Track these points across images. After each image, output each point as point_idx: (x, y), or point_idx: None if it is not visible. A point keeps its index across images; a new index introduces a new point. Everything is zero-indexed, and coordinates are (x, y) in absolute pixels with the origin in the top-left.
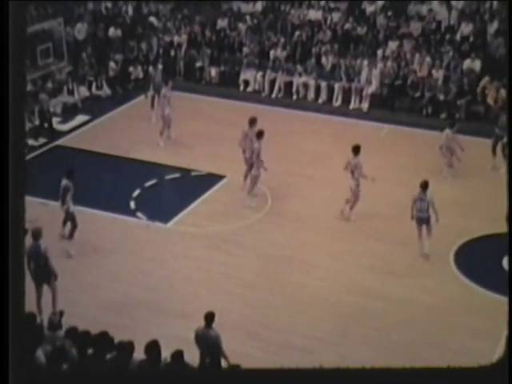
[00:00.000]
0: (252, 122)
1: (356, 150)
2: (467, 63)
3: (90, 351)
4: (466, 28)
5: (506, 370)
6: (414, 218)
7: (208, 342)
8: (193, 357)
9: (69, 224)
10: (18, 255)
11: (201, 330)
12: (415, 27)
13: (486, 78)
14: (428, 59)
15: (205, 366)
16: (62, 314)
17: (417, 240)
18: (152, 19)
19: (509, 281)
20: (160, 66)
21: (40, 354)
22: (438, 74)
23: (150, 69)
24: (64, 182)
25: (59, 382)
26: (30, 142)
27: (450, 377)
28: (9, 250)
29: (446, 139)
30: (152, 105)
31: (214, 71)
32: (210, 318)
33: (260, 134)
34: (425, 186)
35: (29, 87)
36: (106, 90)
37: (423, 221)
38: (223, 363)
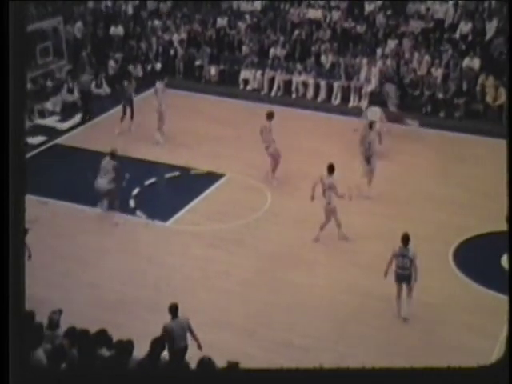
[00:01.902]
0: (269, 116)
1: (331, 169)
2: (466, 61)
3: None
4: (465, 26)
5: (506, 370)
6: (394, 275)
7: (184, 330)
8: (191, 355)
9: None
10: (18, 255)
11: (170, 322)
12: (414, 26)
13: (484, 76)
14: (427, 58)
15: (177, 359)
16: (61, 312)
17: (396, 301)
18: (152, 20)
19: (509, 281)
20: (133, 81)
21: (40, 353)
22: (437, 73)
23: (125, 83)
24: (112, 163)
25: (59, 381)
26: (29, 140)
27: (450, 377)
28: (9, 250)
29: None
30: (122, 118)
31: (213, 70)
32: (174, 308)
33: (270, 116)
34: (406, 239)
35: (29, 85)
36: (106, 89)
37: (404, 279)
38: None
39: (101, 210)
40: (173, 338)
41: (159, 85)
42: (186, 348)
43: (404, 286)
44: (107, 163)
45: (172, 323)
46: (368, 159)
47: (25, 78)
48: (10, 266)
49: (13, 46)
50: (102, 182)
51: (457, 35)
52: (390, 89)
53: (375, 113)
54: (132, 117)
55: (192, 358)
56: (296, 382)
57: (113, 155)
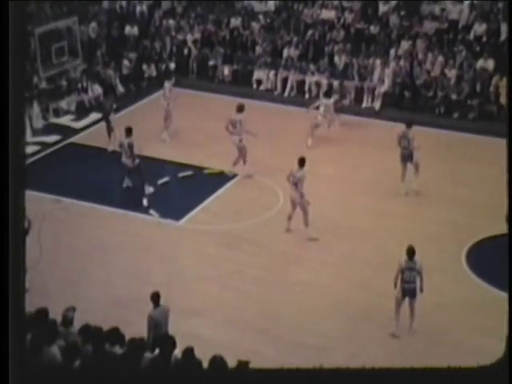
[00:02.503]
0: (240, 108)
1: (301, 162)
2: (480, 63)
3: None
4: (480, 27)
5: (506, 370)
6: (400, 289)
7: (163, 318)
8: (203, 354)
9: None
10: (18, 254)
11: (153, 311)
12: (428, 27)
13: (498, 77)
14: (441, 58)
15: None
16: (74, 309)
17: (395, 318)
18: (166, 20)
19: (509, 281)
20: (113, 96)
21: (55, 349)
22: (451, 74)
23: (101, 98)
24: (127, 140)
25: (60, 380)
26: (44, 139)
27: (449, 377)
28: (9, 250)
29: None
30: (109, 134)
31: (226, 70)
32: (156, 297)
33: (240, 108)
34: (412, 252)
35: (44, 85)
36: (120, 88)
37: (411, 292)
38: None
39: (114, 208)
40: (156, 326)
41: (167, 84)
42: (167, 335)
43: (407, 300)
44: (124, 141)
45: (155, 312)
46: (408, 158)
47: (25, 78)
48: (10, 265)
49: (13, 45)
50: (125, 160)
51: (471, 36)
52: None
53: (327, 105)
54: (109, 134)
55: (203, 356)
56: (296, 382)
57: (127, 132)
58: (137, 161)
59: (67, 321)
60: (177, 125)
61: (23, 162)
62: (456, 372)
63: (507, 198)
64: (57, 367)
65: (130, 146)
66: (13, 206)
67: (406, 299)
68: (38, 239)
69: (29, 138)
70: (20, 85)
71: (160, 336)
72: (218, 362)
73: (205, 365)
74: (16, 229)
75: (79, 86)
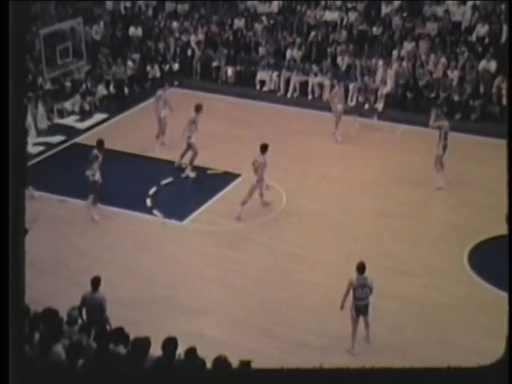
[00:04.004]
0: (198, 108)
1: (263, 148)
2: (483, 64)
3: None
4: (482, 29)
5: (506, 370)
6: (353, 309)
7: (95, 304)
8: (206, 354)
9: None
10: (18, 253)
11: (88, 293)
12: (431, 28)
13: (500, 78)
14: (443, 60)
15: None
16: (80, 308)
17: (352, 336)
18: (170, 21)
19: (509, 281)
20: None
21: (59, 348)
22: (453, 75)
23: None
24: (93, 151)
25: (59, 380)
26: (49, 139)
27: (449, 377)
28: (9, 249)
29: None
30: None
31: (230, 71)
32: (96, 281)
33: (198, 108)
34: (362, 268)
35: (48, 85)
36: (124, 89)
37: (363, 310)
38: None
39: (118, 208)
40: (86, 308)
41: (161, 92)
42: (99, 323)
43: (361, 319)
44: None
45: (89, 294)
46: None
47: (24, 77)
48: (10, 263)
49: (13, 45)
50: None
51: (473, 37)
52: None
53: None
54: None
55: (207, 356)
56: (296, 382)
57: (98, 145)
58: (96, 177)
59: (71, 320)
60: (180, 125)
61: (23, 162)
62: (456, 372)
63: (507, 198)
64: (56, 367)
65: (93, 158)
66: (13, 206)
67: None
68: (42, 239)
69: (33, 138)
70: (20, 84)
71: (93, 321)
72: (222, 362)
73: (208, 364)
74: (16, 229)
75: (83, 86)
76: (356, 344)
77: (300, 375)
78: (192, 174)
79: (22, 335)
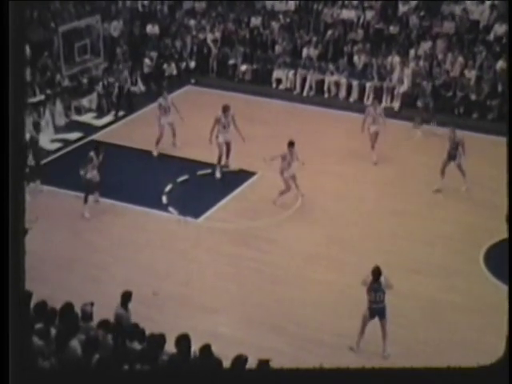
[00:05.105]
0: (224, 109)
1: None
2: (500, 63)
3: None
4: (500, 28)
5: (506, 370)
6: (368, 311)
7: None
8: (221, 351)
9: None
10: (18, 252)
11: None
12: (448, 27)
13: None
14: (460, 59)
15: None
16: (92, 304)
17: (358, 335)
18: (187, 19)
19: (509, 281)
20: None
21: (75, 343)
22: (471, 74)
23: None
24: (90, 153)
25: (61, 380)
26: (66, 136)
27: (449, 377)
28: (9, 248)
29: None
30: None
31: (246, 69)
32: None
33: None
34: (377, 274)
35: (66, 82)
36: (141, 87)
37: (379, 313)
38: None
39: (134, 205)
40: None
41: (161, 100)
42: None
43: (377, 320)
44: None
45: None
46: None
47: (24, 76)
48: (11, 262)
49: (13, 47)
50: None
51: (491, 37)
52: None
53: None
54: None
55: (221, 354)
56: (296, 382)
57: (95, 148)
58: (88, 175)
59: (86, 315)
60: (196, 123)
61: (23, 160)
62: (456, 372)
63: (507, 198)
64: (56, 367)
65: (88, 160)
66: (13, 205)
67: (376, 319)
68: (59, 235)
69: (51, 135)
70: (20, 83)
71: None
72: (242, 361)
73: (223, 362)
74: (16, 227)
75: (101, 84)
76: (368, 344)
77: (300, 375)
78: (218, 174)
79: (22, 335)
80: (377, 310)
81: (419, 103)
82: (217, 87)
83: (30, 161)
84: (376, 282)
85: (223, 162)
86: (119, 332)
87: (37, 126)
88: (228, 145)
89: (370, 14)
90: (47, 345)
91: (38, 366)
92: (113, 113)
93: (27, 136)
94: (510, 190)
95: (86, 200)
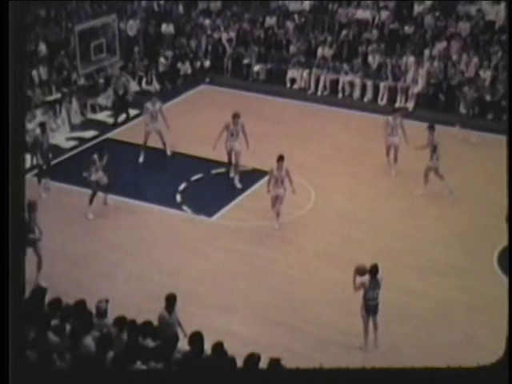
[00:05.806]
0: (234, 116)
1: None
2: None
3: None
4: None
5: (506, 370)
6: (364, 309)
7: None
8: (234, 350)
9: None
10: (17, 251)
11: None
12: (463, 27)
13: None
14: (475, 60)
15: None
16: (107, 301)
17: (364, 333)
18: (202, 18)
19: (509, 281)
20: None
21: (89, 340)
22: (486, 75)
23: (37, 131)
24: (93, 156)
25: (56, 379)
26: (81, 134)
27: (449, 377)
28: (9, 247)
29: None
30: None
31: (261, 68)
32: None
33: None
34: (375, 270)
35: (82, 81)
36: (156, 85)
37: (374, 309)
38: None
39: (148, 203)
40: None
41: (148, 105)
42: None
43: (370, 318)
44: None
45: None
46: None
47: (24, 74)
48: (11, 262)
49: (13, 46)
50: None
51: (507, 37)
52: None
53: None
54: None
55: (233, 352)
56: (296, 382)
57: (99, 151)
58: (92, 177)
59: (101, 312)
60: (210, 122)
61: (23, 157)
62: (456, 372)
63: (507, 198)
64: (56, 367)
65: (91, 162)
66: (13, 200)
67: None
68: (75, 232)
69: (67, 133)
70: (19, 77)
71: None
72: (255, 360)
73: (235, 360)
74: (16, 225)
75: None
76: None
77: (300, 375)
78: (232, 174)
79: (22, 335)
80: (373, 306)
81: (462, 109)
82: (231, 86)
83: (39, 159)
84: (374, 280)
85: (232, 167)
86: (133, 329)
87: (43, 126)
88: (236, 154)
89: (384, 14)
90: (62, 341)
91: (52, 363)
92: (128, 111)
93: (38, 133)
94: (510, 191)
95: (90, 201)
